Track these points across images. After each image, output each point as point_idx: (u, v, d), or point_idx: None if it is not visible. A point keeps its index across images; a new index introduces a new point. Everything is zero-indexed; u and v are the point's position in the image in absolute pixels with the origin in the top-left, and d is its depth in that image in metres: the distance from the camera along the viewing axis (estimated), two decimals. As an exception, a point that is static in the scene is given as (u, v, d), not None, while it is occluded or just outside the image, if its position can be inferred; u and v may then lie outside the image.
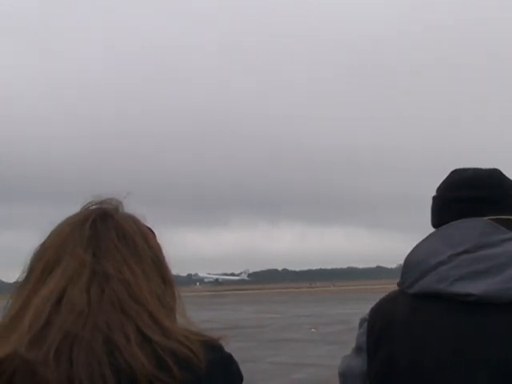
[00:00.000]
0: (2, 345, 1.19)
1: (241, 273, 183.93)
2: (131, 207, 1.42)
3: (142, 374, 1.16)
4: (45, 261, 1.30)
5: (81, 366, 1.15)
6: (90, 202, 1.40)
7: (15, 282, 1.32)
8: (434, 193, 1.86)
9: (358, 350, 1.77)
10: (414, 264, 1.69)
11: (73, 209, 1.39)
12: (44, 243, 1.34)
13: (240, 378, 1.30)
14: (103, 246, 1.31)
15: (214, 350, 1.25)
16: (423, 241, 1.75)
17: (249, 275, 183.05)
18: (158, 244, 1.39)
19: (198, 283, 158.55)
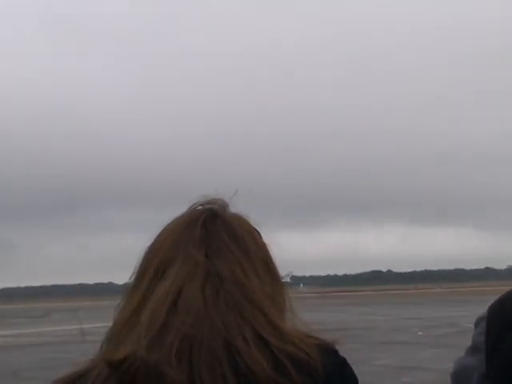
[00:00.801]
0: (120, 346, 1.18)
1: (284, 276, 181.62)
2: (237, 208, 1.40)
3: (262, 378, 1.14)
4: (157, 262, 1.28)
5: (202, 367, 1.13)
6: (196, 203, 1.38)
7: (126, 284, 1.31)
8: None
9: (474, 349, 1.71)
10: None
11: (179, 210, 1.38)
12: (155, 244, 1.33)
13: (356, 381, 1.27)
14: (215, 246, 1.29)
15: (329, 353, 1.22)
16: None
17: (292, 277, 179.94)
18: (265, 243, 1.37)
19: (301, 285, 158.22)
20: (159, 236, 1.34)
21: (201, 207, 1.37)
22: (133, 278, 1.31)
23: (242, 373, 1.14)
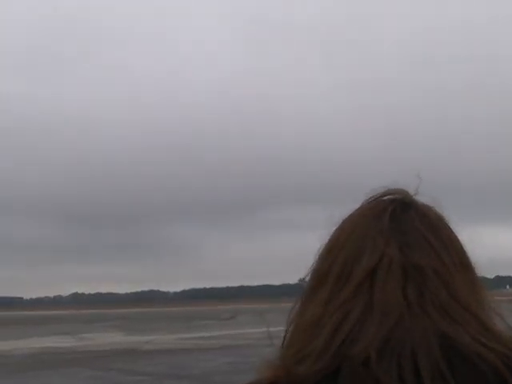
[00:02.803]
0: (308, 355, 1.04)
1: None
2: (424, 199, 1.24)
3: (497, 379, 0.99)
4: (343, 257, 1.15)
5: (423, 368, 0.98)
6: (376, 194, 1.25)
7: (300, 282, 1.21)
8: None
9: None
10: None
11: (354, 205, 1.26)
12: (338, 239, 1.20)
13: None
14: (410, 238, 1.15)
15: None
16: None
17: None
18: (458, 236, 1.21)
19: (508, 286, 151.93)
20: (342, 230, 1.21)
21: (385, 197, 1.24)
22: (311, 276, 1.19)
23: (468, 372, 1.00)
